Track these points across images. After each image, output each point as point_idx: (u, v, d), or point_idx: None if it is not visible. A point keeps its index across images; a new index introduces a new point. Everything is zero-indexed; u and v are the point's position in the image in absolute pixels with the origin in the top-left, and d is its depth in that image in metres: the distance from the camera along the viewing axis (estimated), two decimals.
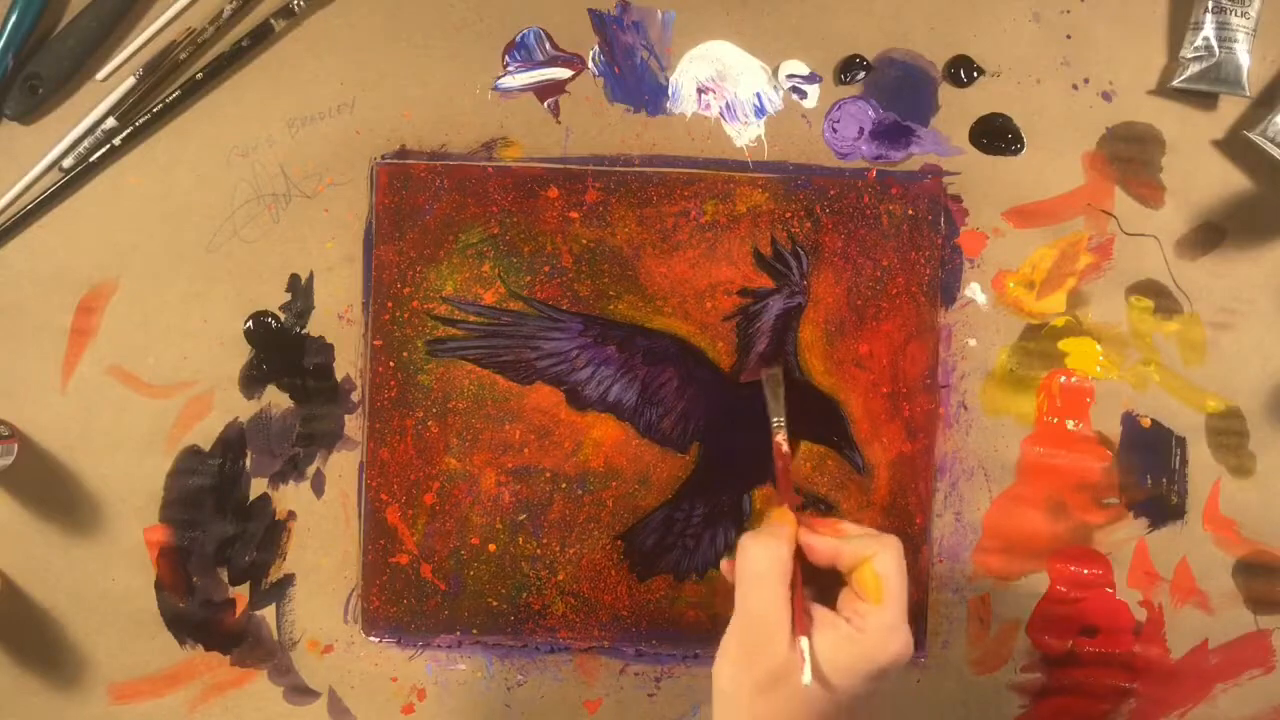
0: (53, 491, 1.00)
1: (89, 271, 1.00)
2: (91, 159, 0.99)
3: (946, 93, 1.01)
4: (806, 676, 0.73)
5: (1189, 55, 0.98)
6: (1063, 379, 1.00)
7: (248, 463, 1.01)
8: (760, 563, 0.77)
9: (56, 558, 1.00)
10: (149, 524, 1.00)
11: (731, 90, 1.01)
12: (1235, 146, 0.99)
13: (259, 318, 1.01)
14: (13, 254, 1.01)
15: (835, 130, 1.01)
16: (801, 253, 1.01)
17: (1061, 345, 1.00)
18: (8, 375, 1.01)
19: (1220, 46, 0.97)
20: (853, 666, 0.74)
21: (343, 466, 1.01)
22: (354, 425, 1.01)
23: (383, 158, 1.00)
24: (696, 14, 1.01)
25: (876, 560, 0.76)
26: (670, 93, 1.01)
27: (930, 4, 1.00)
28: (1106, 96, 1.00)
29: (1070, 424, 1.00)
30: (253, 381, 1.01)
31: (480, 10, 1.01)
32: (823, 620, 0.75)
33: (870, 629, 0.74)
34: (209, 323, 1.01)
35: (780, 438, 0.85)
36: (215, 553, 1.01)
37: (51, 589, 1.01)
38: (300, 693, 1.01)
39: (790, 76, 1.01)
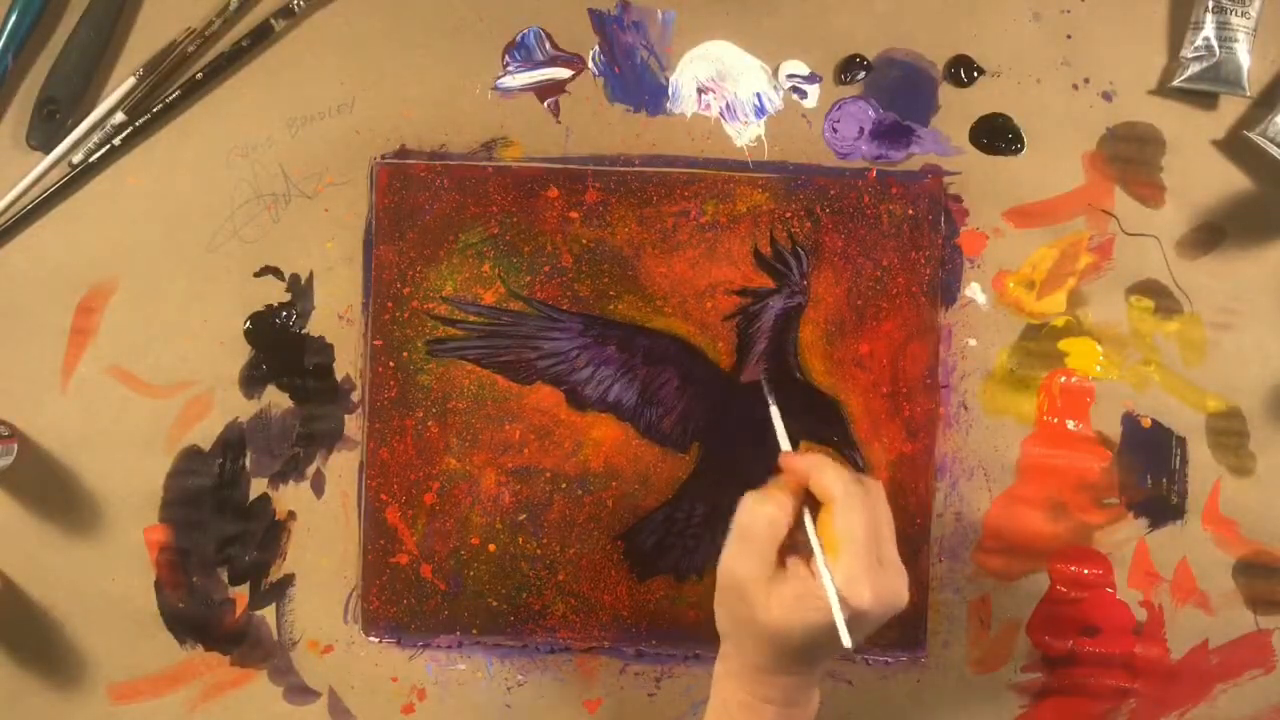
0: (53, 491, 1.00)
1: (89, 271, 1.00)
2: (91, 159, 0.99)
3: (946, 93, 1.01)
4: (845, 640, 0.75)
5: (1189, 55, 0.97)
6: (1063, 379, 1.00)
7: (248, 463, 1.01)
8: (755, 524, 0.80)
9: (56, 558, 1.00)
10: (149, 524, 1.00)
11: (731, 90, 1.01)
12: (1235, 146, 0.99)
13: (259, 317, 1.00)
14: (13, 254, 1.00)
15: (835, 130, 1.01)
16: (802, 252, 1.00)
17: (1061, 345, 1.00)
18: (8, 375, 1.00)
19: (1220, 46, 0.97)
20: (805, 619, 0.76)
21: (343, 466, 1.01)
22: (354, 425, 1.01)
23: (383, 158, 1.00)
24: (696, 14, 1.01)
25: (837, 513, 0.78)
26: (670, 93, 1.01)
27: (930, 4, 1.00)
28: (1106, 96, 1.00)
29: (1070, 424, 1.00)
30: (253, 381, 1.01)
31: (480, 10, 1.01)
32: (792, 573, 0.78)
33: (822, 585, 0.76)
34: (209, 323, 1.01)
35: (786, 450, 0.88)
36: (215, 553, 1.01)
37: (51, 589, 1.01)
38: (300, 693, 1.01)
39: (790, 76, 1.01)
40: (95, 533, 1.00)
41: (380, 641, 1.02)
